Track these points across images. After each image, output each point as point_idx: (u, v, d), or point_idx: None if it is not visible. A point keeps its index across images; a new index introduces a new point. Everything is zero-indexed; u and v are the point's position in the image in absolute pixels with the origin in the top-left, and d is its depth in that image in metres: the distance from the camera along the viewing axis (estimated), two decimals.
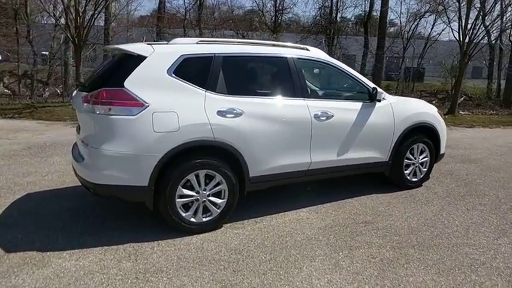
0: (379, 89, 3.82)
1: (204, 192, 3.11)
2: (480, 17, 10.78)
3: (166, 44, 3.17)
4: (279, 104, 3.39)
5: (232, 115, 3.12)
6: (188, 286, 2.40)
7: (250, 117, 3.18)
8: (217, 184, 3.15)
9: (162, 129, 2.87)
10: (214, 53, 3.19)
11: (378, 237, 3.12)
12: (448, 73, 16.38)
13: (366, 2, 19.62)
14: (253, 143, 3.21)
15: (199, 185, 3.09)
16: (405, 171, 4.26)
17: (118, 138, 2.81)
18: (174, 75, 3.00)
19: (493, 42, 15.46)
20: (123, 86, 2.83)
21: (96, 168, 2.86)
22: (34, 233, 3.11)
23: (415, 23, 17.36)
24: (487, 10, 11.55)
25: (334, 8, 19.66)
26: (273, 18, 18.92)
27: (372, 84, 3.96)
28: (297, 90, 3.50)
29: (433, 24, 17.29)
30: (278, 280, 2.49)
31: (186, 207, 3.08)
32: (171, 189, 2.95)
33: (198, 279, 2.48)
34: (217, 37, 19.52)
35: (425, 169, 4.44)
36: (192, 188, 3.07)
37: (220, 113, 3.08)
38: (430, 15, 16.92)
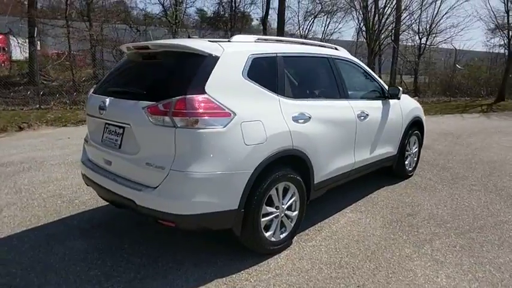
0: (400, 88, 4.11)
1: (283, 206, 2.86)
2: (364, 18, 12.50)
3: (229, 41, 2.76)
4: (333, 106, 3.34)
5: (303, 120, 2.93)
6: None
7: (316, 121, 3.05)
8: (292, 196, 2.94)
9: (252, 141, 2.51)
10: (276, 53, 2.94)
11: (436, 227, 3.38)
12: None
13: None
14: (318, 148, 3.09)
15: (279, 200, 2.82)
16: (405, 162, 4.69)
17: (209, 157, 2.34)
18: (248, 78, 2.65)
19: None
20: (205, 93, 2.37)
21: (183, 196, 2.33)
22: None
23: (311, 21, 18.91)
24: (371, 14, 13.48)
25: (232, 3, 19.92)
26: (174, 11, 18.07)
27: (384, 84, 4.24)
28: (341, 91, 3.50)
29: (328, 23, 19.05)
30: (406, 286, 2.48)
31: (266, 226, 2.79)
32: (257, 209, 2.62)
33: None
34: (107, 30, 17.67)
35: (416, 158, 4.98)
36: (272, 204, 2.78)
37: (295, 119, 2.86)
38: (325, 15, 18.66)
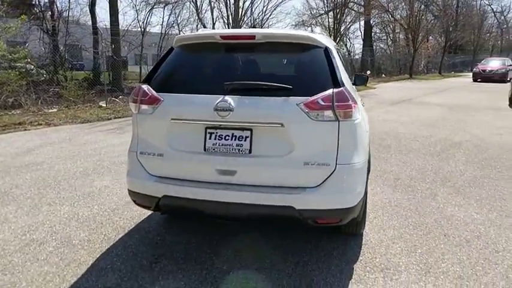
0: (367, 76, 4.89)
1: None
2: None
3: (314, 33, 2.85)
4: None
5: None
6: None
7: (361, 109, 3.47)
8: None
9: (367, 129, 2.76)
10: (326, 45, 3.19)
11: (424, 184, 4.37)
12: None
13: None
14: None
15: None
16: None
17: (360, 146, 2.48)
18: None
19: None
20: (344, 85, 2.46)
21: (349, 189, 2.41)
22: None
23: (148, 12, 18.32)
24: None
25: None
26: None
27: None
28: (351, 80, 4.01)
29: (169, 15, 18.80)
30: (465, 226, 3.27)
31: None
32: (366, 193, 2.88)
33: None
34: None
35: None
36: None
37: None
38: (164, 6, 18.37)
